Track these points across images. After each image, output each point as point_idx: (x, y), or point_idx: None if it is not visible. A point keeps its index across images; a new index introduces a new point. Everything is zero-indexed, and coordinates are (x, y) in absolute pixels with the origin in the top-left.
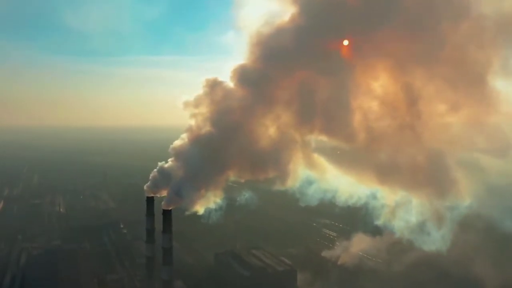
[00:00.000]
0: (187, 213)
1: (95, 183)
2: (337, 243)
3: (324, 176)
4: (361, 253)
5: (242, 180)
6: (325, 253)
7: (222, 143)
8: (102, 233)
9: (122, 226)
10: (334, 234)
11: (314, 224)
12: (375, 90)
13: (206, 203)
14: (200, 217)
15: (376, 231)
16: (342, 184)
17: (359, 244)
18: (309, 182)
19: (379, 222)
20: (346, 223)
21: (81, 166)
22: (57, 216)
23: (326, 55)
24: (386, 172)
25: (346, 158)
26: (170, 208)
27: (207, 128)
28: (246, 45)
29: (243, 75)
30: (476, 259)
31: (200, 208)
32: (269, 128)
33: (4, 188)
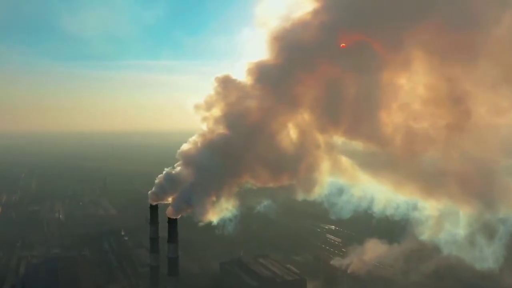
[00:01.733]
0: (190, 219)
1: (95, 188)
2: (343, 249)
3: (355, 184)
4: (373, 261)
5: (255, 187)
6: (335, 261)
7: (238, 146)
8: (102, 241)
9: (123, 233)
10: (339, 240)
11: (318, 230)
12: (412, 87)
13: (219, 212)
14: (204, 224)
15: (387, 238)
16: (376, 192)
17: (371, 252)
18: (338, 191)
19: (423, 236)
20: (350, 229)
21: (80, 171)
22: (56, 223)
23: (356, 49)
24: (429, 181)
25: (381, 164)
26: (176, 217)
27: (221, 131)
28: (264, 41)
29: (262, 73)
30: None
31: (213, 217)
32: (291, 130)
33: (2, 194)
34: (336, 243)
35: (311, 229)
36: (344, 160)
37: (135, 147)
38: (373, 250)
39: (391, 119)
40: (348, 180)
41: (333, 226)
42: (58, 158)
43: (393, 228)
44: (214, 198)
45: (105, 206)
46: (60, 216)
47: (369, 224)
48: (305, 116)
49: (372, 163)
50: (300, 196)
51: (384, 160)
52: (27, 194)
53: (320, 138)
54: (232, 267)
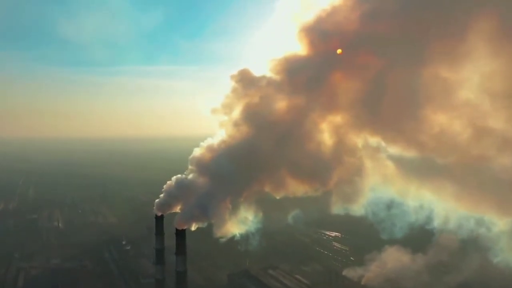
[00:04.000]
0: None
1: (94, 196)
2: (351, 258)
3: (406, 195)
4: (391, 273)
5: (277, 197)
6: (347, 272)
7: (264, 151)
8: (103, 250)
9: (124, 242)
10: (346, 248)
11: (324, 237)
12: (477, 81)
13: (239, 222)
14: (207, 232)
15: (397, 245)
16: (431, 204)
17: (386, 262)
18: (385, 203)
19: (497, 259)
20: (355, 236)
21: (78, 178)
22: (55, 232)
23: (402, 39)
24: (503, 193)
25: (437, 172)
26: (184, 228)
27: (243, 135)
28: (292, 33)
29: (292, 68)
30: None
31: (233, 229)
32: (325, 131)
33: None
34: (344, 251)
35: (316, 237)
36: (391, 167)
37: (132, 152)
38: (388, 260)
39: (450, 118)
40: (397, 190)
41: (339, 234)
42: (56, 164)
43: (404, 236)
44: (231, 208)
45: (105, 214)
46: (60, 224)
47: (373, 231)
48: (342, 116)
49: (426, 171)
50: (336, 208)
51: (443, 168)
52: (25, 201)
53: (360, 140)
54: (240, 279)
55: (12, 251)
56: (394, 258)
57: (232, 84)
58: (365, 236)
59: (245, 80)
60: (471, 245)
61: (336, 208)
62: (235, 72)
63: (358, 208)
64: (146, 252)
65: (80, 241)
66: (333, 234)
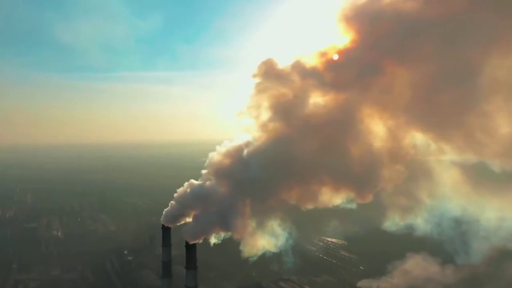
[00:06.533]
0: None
1: (92, 203)
2: (361, 267)
3: (479, 208)
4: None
5: (304, 208)
6: (362, 283)
7: (302, 154)
8: (104, 261)
9: (126, 252)
10: (355, 257)
11: (331, 245)
12: None
13: (267, 236)
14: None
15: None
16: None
17: (403, 272)
18: (452, 218)
19: None
20: (360, 243)
21: (76, 185)
22: (54, 242)
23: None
24: None
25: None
26: (196, 242)
27: (276, 136)
28: (337, 21)
29: (344, 57)
30: None
31: (263, 244)
32: (376, 132)
33: None
34: (352, 260)
35: (322, 245)
36: (459, 174)
37: (130, 158)
38: (406, 270)
39: None
40: (467, 202)
41: (345, 242)
42: (53, 171)
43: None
44: (256, 221)
45: (105, 222)
46: (59, 233)
47: (380, 239)
48: (398, 113)
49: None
50: (391, 223)
51: None
52: (23, 210)
53: (419, 141)
54: None
55: (10, 262)
56: (411, 268)
57: (257, 80)
58: (370, 243)
59: (274, 74)
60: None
61: (390, 223)
62: (260, 64)
63: (420, 224)
64: (148, 263)
65: (80, 251)
66: (340, 241)
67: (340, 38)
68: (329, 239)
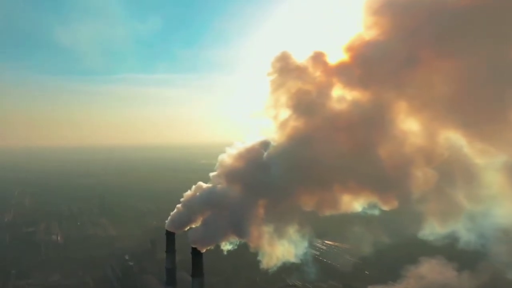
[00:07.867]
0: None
1: (92, 207)
2: (366, 272)
3: None
4: None
5: (321, 214)
6: None
7: (326, 156)
8: (105, 266)
9: (127, 257)
10: (360, 261)
11: (335, 249)
12: None
13: (286, 243)
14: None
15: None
16: None
17: (415, 277)
18: (498, 227)
19: None
20: (363, 245)
21: (75, 188)
22: (54, 246)
23: None
24: None
25: None
26: (204, 249)
27: (298, 136)
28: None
29: (364, 53)
30: None
31: (288, 253)
32: (411, 130)
33: None
34: (356, 264)
35: (324, 249)
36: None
37: (129, 161)
38: (419, 275)
39: None
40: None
41: (348, 245)
42: (51, 174)
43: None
44: (272, 225)
45: (105, 226)
46: (58, 238)
47: (384, 242)
48: (435, 111)
49: None
50: (427, 231)
51: None
52: (21, 213)
53: (458, 141)
54: None
55: (8, 268)
56: (421, 274)
57: (273, 77)
58: (376, 248)
59: (290, 70)
60: None
61: (427, 232)
62: (273, 60)
63: (463, 232)
64: (149, 268)
65: (81, 256)
66: (343, 245)
67: (352, 32)
68: (331, 243)
